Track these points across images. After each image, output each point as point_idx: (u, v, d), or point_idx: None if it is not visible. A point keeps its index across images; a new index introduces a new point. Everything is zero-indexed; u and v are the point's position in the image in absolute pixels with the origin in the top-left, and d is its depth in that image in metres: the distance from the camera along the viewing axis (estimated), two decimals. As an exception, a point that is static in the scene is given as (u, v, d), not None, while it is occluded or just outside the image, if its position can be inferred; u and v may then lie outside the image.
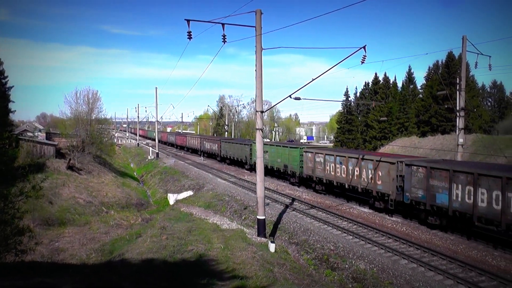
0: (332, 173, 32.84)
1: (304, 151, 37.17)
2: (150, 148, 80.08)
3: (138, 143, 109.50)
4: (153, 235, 22.32)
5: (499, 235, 21.73)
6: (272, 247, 20.84)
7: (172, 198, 39.13)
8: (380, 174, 27.70)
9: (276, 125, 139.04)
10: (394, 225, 25.32)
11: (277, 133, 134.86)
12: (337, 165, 32.25)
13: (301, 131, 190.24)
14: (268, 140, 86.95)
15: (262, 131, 22.82)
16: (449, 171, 22.07)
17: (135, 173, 64.63)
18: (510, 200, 18.73)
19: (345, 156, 31.50)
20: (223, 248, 19.56)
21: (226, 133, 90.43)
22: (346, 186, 31.29)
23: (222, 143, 60.93)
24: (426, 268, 18.06)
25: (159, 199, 42.33)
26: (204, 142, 70.72)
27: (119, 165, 67.41)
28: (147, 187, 51.79)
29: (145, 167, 66.85)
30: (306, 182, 38.28)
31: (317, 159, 34.81)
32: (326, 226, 25.27)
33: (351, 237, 22.98)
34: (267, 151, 41.20)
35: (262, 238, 22.40)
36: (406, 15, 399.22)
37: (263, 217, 22.77)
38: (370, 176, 28.57)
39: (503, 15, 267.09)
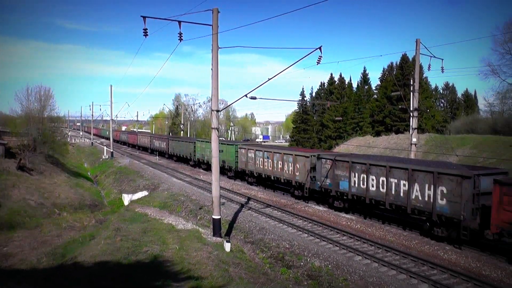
0: (261, 167, 37.49)
1: (238, 148, 41.58)
2: (105, 148, 78.59)
3: (92, 142, 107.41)
4: (107, 237, 21.93)
5: (386, 213, 27.14)
6: (227, 246, 20.91)
7: (127, 198, 38.54)
8: (298, 167, 32.37)
9: (232, 124, 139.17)
10: (349, 223, 25.92)
11: (233, 132, 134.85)
12: (265, 160, 36.87)
13: (257, 130, 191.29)
14: (223, 139, 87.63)
15: (218, 130, 22.83)
16: (348, 162, 26.99)
17: (89, 173, 63.23)
18: (392, 184, 23.74)
19: (271, 152, 36.14)
20: (179, 249, 19.48)
21: (182, 132, 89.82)
22: (272, 177, 35.98)
23: (170, 141, 65.73)
24: (380, 263, 18.54)
25: (114, 200, 41.59)
26: (154, 140, 75.61)
27: (72, 165, 65.69)
28: (101, 188, 50.77)
29: (99, 167, 65.55)
30: (241, 175, 42.65)
31: (249, 155, 39.33)
32: (282, 224, 25.59)
33: (306, 235, 23.34)
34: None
35: (218, 238, 22.44)
36: (361, 18, 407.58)
37: (219, 217, 22.82)
38: (290, 168, 33.32)
39: (455, 20, 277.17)
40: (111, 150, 72.92)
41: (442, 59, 30.76)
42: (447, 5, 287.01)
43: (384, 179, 24.24)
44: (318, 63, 18.55)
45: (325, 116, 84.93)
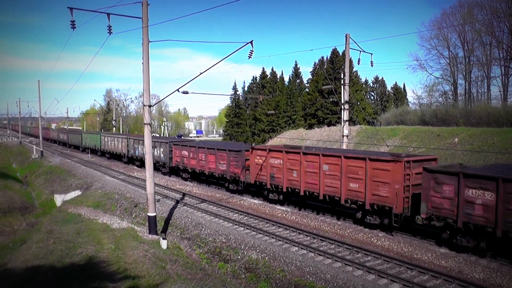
0: (112, 147, 58.70)
1: (101, 136, 63.84)
2: (34, 146, 75.35)
3: (21, 141, 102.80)
4: (39, 240, 21.35)
5: (158, 165, 45.07)
6: (164, 243, 21.00)
7: (59, 199, 37.37)
8: (123, 144, 54.39)
9: (165, 119, 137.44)
10: (284, 215, 26.52)
11: (166, 127, 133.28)
12: (111, 142, 58.69)
13: (190, 125, 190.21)
14: (156, 135, 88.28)
15: (150, 126, 22.70)
16: (138, 140, 48.61)
17: (18, 174, 60.53)
18: (156, 151, 43.54)
19: (110, 136, 59.63)
20: (114, 249, 19.34)
21: (114, 128, 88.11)
22: (114, 152, 58.06)
23: (69, 134, 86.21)
24: (316, 253, 19.06)
25: (45, 201, 40.12)
26: (60, 134, 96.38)
27: (-2, 166, 62.58)
28: (32, 189, 48.78)
29: (29, 167, 62.80)
30: (104, 154, 63.79)
31: (106, 139, 61.03)
32: (217, 219, 25.88)
33: (242, 228, 23.66)
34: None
35: (154, 236, 22.42)
36: (292, 12, 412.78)
37: (154, 214, 22.78)
38: (119, 146, 55.62)
39: (384, 16, 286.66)
40: (41, 149, 70.17)
41: (372, 54, 31.06)
42: (375, 1, 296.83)
43: (141, 146, 46.33)
44: (249, 57, 18.89)
45: (258, 110, 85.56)
